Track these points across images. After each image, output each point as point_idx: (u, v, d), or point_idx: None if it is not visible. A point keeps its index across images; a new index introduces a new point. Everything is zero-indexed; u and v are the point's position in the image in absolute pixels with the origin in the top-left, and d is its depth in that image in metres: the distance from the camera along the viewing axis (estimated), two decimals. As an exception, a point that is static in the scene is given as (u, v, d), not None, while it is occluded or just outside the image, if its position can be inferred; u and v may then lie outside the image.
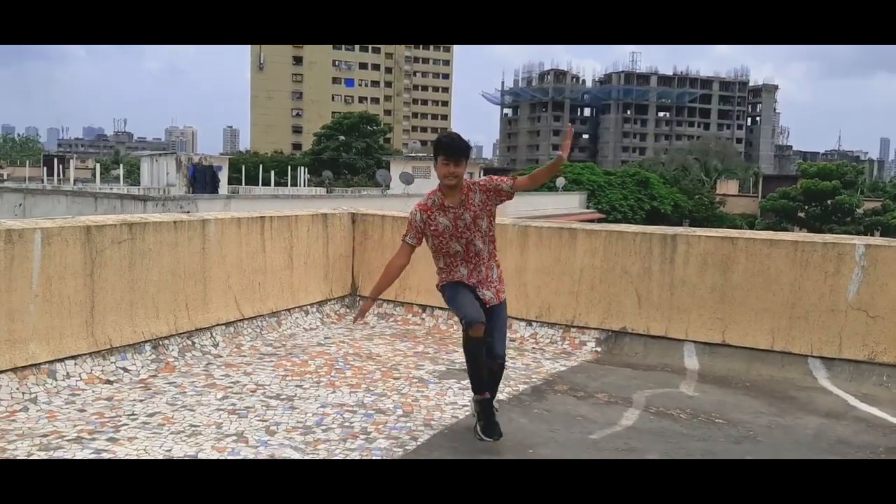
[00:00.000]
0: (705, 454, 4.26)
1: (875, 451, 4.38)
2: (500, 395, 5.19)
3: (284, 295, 6.89)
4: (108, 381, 5.09)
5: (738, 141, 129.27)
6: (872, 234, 46.98)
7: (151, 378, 5.28)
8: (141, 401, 4.79)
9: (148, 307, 5.56)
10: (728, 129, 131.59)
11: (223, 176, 30.35)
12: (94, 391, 4.91)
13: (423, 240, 4.29)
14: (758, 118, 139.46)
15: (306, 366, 5.74)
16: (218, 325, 6.13)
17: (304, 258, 7.11)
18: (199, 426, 4.38)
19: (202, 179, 28.50)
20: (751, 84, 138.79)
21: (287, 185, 38.74)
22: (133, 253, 5.43)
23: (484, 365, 4.17)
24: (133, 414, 4.55)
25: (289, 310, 6.92)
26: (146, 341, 5.53)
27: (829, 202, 46.81)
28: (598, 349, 6.52)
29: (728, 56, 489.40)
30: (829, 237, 6.05)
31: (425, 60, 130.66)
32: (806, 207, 47.69)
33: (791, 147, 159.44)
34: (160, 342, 5.63)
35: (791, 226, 47.27)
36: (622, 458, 4.17)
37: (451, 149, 4.07)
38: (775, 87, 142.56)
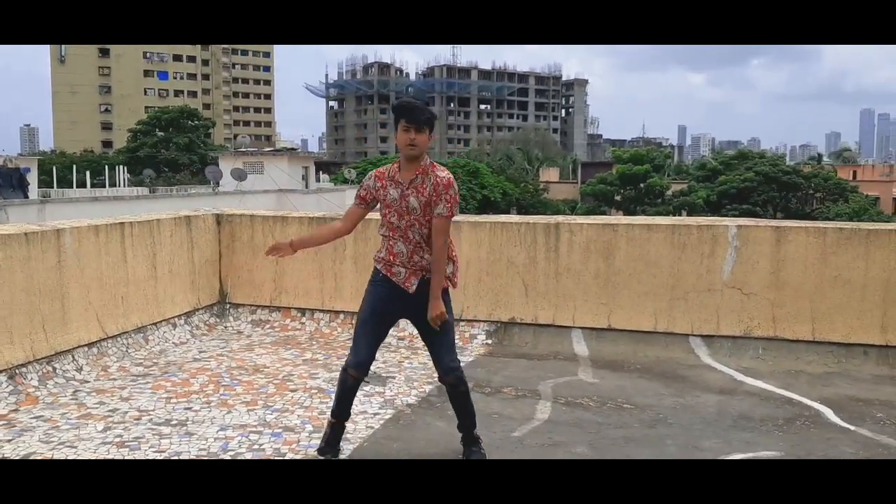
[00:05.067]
0: (627, 441, 4.30)
1: (776, 423, 4.61)
2: (407, 398, 5.03)
3: (149, 308, 6.26)
4: (-40, 423, 4.37)
5: (555, 131, 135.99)
6: (680, 214, 50.97)
7: (13, 413, 4.58)
8: (9, 441, 4.13)
9: (1, 332, 4.83)
10: (545, 121, 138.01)
11: (32, 179, 27.68)
12: (-56, 436, 4.19)
13: (372, 204, 3.86)
14: (571, 109, 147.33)
15: (189, 385, 5.24)
16: (80, 346, 5.46)
17: (169, 266, 6.51)
18: (86, 466, 3.84)
19: (8, 184, 25.80)
20: (564, 78, 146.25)
21: (105, 186, 35.96)
22: (-22, 271, 4.69)
23: (347, 396, 3.94)
24: (3, 458, 3.91)
25: (155, 324, 6.31)
26: (1, 371, 4.80)
27: (641, 185, 50.25)
28: (489, 341, 6.47)
29: (540, 52, 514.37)
30: (703, 220, 6.36)
31: (244, 52, 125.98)
32: (622, 191, 50.94)
33: (601, 136, 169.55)
34: (17, 371, 4.91)
35: (609, 209, 50.31)
36: (549, 453, 4.12)
37: (411, 112, 3.71)
38: (586, 82, 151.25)
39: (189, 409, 4.75)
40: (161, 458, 3.97)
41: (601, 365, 5.92)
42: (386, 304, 3.85)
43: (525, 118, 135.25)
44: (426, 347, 3.99)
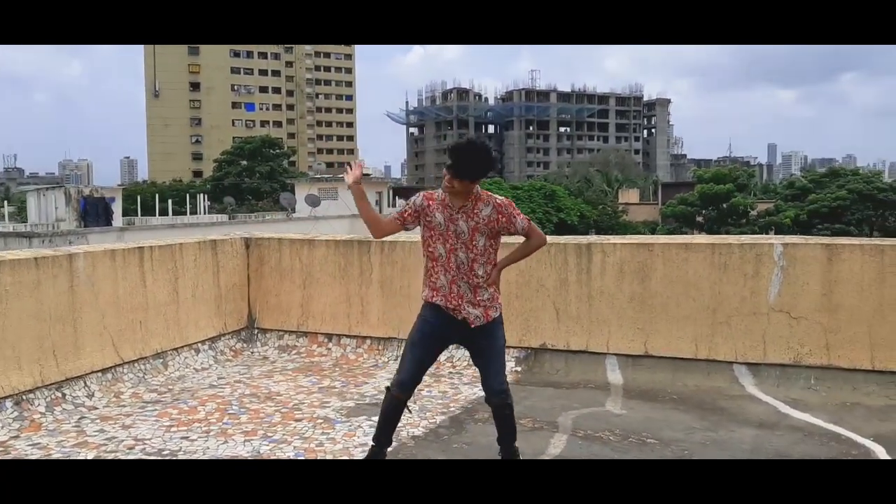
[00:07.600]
0: (641, 481, 3.89)
1: (815, 463, 4.11)
2: (415, 430, 4.75)
3: (170, 333, 6.20)
4: (-44, 449, 4.34)
5: (636, 152, 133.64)
6: (767, 234, 48.95)
7: (12, 440, 4.53)
8: (-8, 471, 4.06)
9: (8, 357, 4.81)
10: (626, 142, 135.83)
11: (117, 208, 28.84)
12: (-65, 463, 4.15)
13: (410, 224, 3.74)
14: (653, 130, 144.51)
15: (195, 413, 5.10)
16: (93, 372, 5.41)
17: (192, 290, 6.44)
18: (61, 497, 3.71)
19: (94, 212, 27.04)
20: (645, 99, 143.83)
21: (186, 214, 37.19)
22: (-16, 296, 4.69)
23: (388, 419, 3.87)
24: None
25: (176, 349, 6.23)
26: (6, 397, 4.78)
27: (724, 205, 48.54)
28: (518, 369, 6.12)
29: (620, 73, 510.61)
30: (745, 238, 5.86)
31: (327, 82, 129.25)
32: (703, 211, 49.29)
33: (685, 156, 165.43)
34: (23, 397, 4.88)
35: (690, 230, 48.73)
36: (552, 493, 3.75)
37: (457, 164, 3.52)
38: (668, 101, 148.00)
39: (186, 438, 4.60)
40: (139, 490, 3.80)
41: (634, 395, 5.49)
42: (434, 328, 3.79)
43: (606, 139, 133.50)
44: (478, 370, 3.93)
